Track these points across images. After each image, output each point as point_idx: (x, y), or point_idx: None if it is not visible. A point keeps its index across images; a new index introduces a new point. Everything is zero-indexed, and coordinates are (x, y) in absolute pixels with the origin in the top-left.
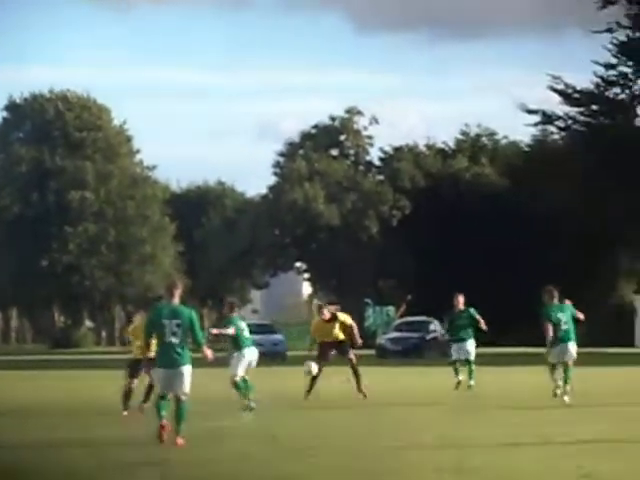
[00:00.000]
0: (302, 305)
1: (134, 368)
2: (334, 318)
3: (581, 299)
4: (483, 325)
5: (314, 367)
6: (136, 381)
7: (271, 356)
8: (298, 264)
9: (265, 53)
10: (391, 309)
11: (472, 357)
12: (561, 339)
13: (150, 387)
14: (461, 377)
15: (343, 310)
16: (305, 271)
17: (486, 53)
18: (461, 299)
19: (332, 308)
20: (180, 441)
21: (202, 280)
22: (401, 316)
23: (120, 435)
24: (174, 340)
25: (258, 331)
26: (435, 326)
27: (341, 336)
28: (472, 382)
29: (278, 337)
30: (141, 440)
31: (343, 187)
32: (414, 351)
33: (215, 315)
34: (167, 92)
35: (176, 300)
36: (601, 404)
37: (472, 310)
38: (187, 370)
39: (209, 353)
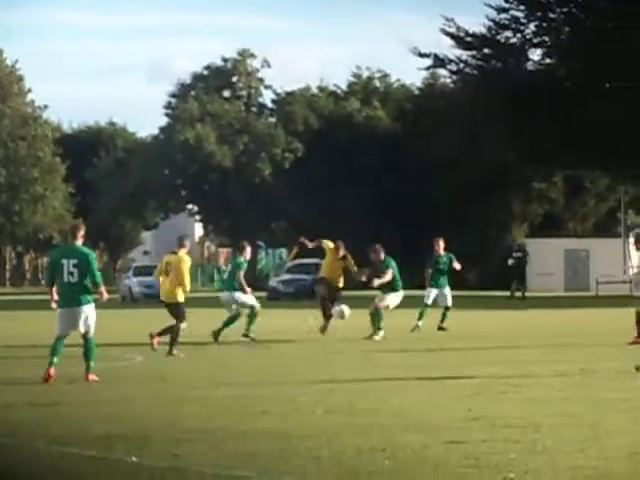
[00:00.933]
0: (194, 247)
1: None
2: (345, 258)
3: (476, 243)
4: (458, 266)
5: (346, 310)
6: None
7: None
8: (190, 206)
9: None
10: (283, 251)
11: (450, 303)
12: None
13: None
14: (421, 323)
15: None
16: (197, 213)
17: None
18: (442, 244)
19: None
20: (92, 377)
21: (93, 221)
22: (293, 258)
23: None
24: (72, 280)
25: (149, 272)
26: None
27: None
28: (421, 323)
29: None
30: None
31: (235, 129)
32: (306, 293)
33: (107, 256)
34: (60, 31)
35: (79, 242)
36: (493, 347)
37: (452, 256)
38: (88, 309)
39: (104, 294)
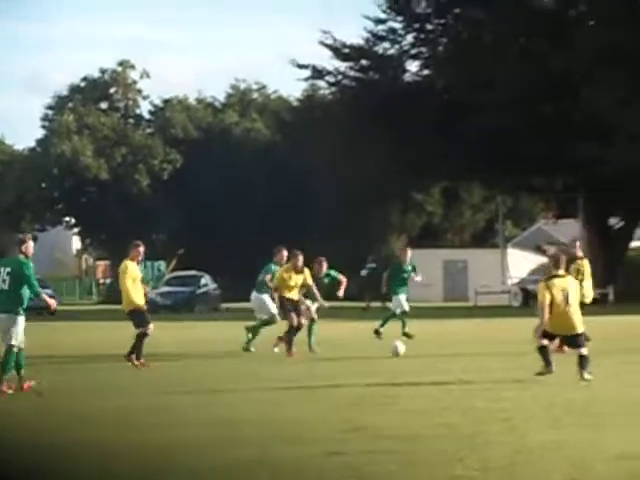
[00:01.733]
0: (71, 260)
1: None
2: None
3: (354, 255)
4: (418, 278)
5: (401, 347)
6: None
7: (39, 310)
8: (67, 219)
9: (34, 2)
10: (162, 264)
11: (407, 308)
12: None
13: None
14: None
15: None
16: (74, 226)
17: (260, 5)
18: (409, 253)
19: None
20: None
21: None
22: (172, 270)
23: None
24: (4, 287)
25: None
26: (206, 280)
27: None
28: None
29: (48, 291)
30: None
31: (112, 141)
32: (184, 305)
33: None
34: None
35: (22, 254)
36: (371, 357)
37: (414, 265)
38: (14, 319)
39: (49, 301)
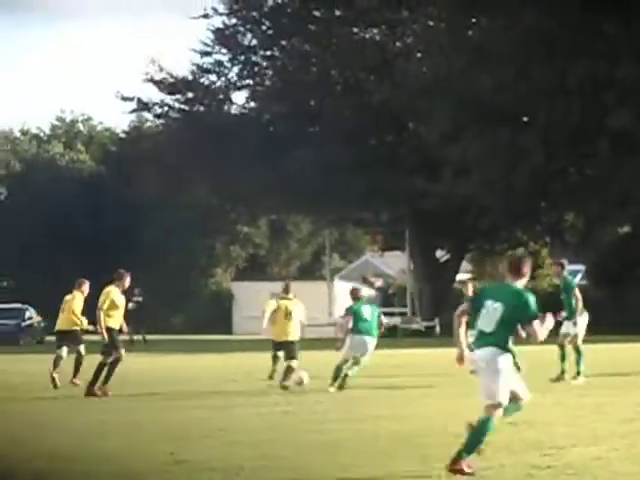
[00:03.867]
0: None
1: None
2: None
3: (180, 288)
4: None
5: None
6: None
7: None
8: None
9: None
10: None
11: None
12: None
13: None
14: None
15: None
16: None
17: (84, 37)
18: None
19: None
20: None
21: None
22: None
23: None
24: None
25: None
26: (30, 313)
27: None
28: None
29: None
30: None
31: None
32: (9, 338)
33: None
34: None
35: None
36: (194, 390)
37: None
38: None
39: None
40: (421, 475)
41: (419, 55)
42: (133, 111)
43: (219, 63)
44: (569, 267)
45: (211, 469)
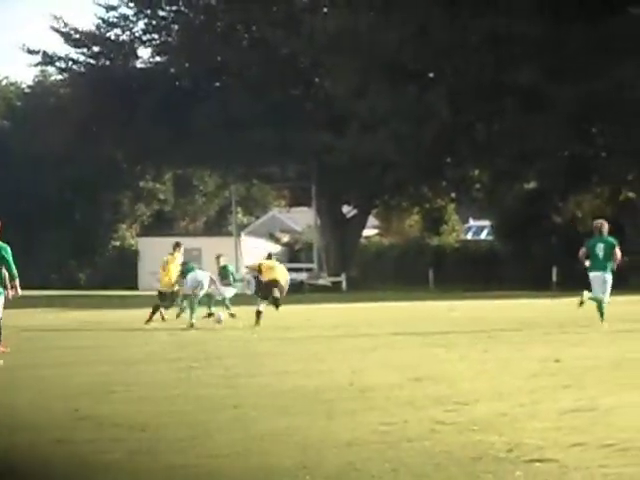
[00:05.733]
0: None
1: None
2: None
3: (86, 243)
4: None
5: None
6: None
7: None
8: None
9: None
10: None
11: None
12: None
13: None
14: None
15: None
16: None
17: None
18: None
19: None
20: None
21: None
22: None
23: None
24: None
25: None
26: None
27: None
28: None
29: None
30: None
31: None
32: None
33: None
34: None
35: None
36: (96, 346)
37: None
38: None
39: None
40: (325, 429)
41: (325, 10)
42: (38, 64)
43: (124, 17)
44: (475, 223)
45: (115, 425)
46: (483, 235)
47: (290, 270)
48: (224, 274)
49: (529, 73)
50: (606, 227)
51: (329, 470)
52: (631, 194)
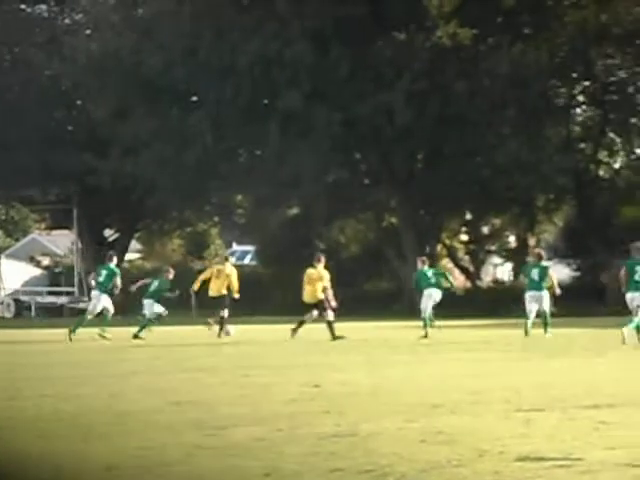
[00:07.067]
0: None
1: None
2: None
3: None
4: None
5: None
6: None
7: None
8: None
9: None
10: None
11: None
12: None
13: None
14: None
15: None
16: None
17: None
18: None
19: None
20: None
21: None
22: None
23: None
24: None
25: None
26: None
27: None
28: None
29: None
30: None
31: None
32: None
33: None
34: None
35: None
36: None
37: None
38: None
39: None
40: (81, 453)
41: (88, 31)
42: None
43: None
44: (239, 247)
45: None
46: (247, 260)
47: (50, 294)
48: None
49: (293, 97)
50: (543, 254)
51: None
52: (394, 220)
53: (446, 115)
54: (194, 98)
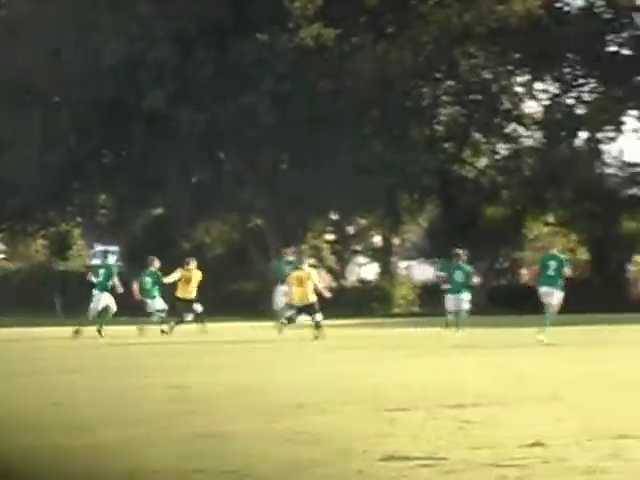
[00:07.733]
0: None
1: None
2: None
3: None
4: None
5: None
6: None
7: None
8: None
9: None
10: None
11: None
12: None
13: None
14: None
15: None
16: None
17: None
18: None
19: None
20: None
21: None
22: None
23: None
24: None
25: None
26: None
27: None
28: None
29: None
30: None
31: None
32: None
33: None
34: None
35: None
36: None
37: None
38: None
39: None
40: None
41: None
42: None
43: None
44: (105, 247)
45: None
46: (113, 260)
47: None
48: None
49: (157, 98)
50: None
51: None
52: (259, 221)
53: (310, 115)
54: (57, 99)
